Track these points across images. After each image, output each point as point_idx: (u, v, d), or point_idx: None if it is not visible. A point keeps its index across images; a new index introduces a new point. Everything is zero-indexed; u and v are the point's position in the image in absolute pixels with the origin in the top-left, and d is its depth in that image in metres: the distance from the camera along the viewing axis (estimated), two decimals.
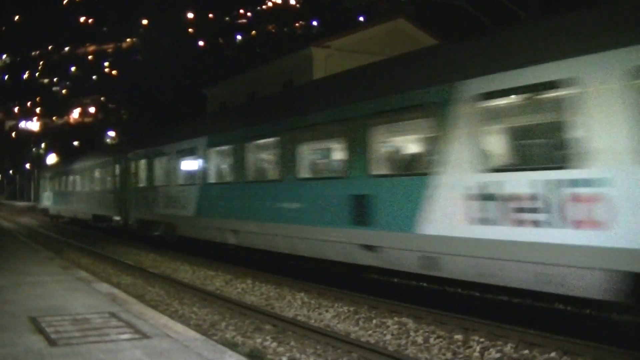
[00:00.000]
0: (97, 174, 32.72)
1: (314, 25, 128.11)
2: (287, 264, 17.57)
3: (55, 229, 38.36)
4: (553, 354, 8.67)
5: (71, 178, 39.34)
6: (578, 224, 8.13)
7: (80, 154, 51.81)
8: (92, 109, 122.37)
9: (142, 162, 25.14)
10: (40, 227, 41.21)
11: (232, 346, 8.76)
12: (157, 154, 23.22)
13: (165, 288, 15.32)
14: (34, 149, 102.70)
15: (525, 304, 11.80)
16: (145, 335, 7.80)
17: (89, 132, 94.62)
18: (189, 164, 20.32)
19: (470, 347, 9.31)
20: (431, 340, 9.74)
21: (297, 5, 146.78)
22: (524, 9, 20.77)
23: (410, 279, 14.80)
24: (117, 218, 28.31)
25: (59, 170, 45.14)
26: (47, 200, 49.74)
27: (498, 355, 8.85)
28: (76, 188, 37.58)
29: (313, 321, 11.35)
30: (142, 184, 25.11)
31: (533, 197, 8.66)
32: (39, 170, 55.97)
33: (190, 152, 19.91)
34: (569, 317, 10.67)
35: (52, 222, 46.04)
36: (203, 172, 19.04)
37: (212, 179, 18.77)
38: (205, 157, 18.93)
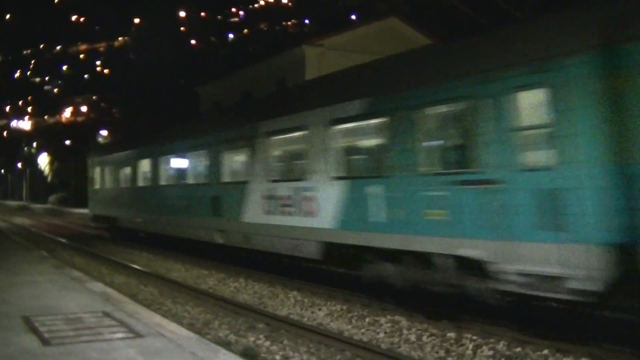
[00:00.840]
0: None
1: (306, 24, 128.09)
2: (281, 263, 17.60)
3: (48, 228, 38.23)
4: (545, 352, 8.73)
5: (201, 161, 19.38)
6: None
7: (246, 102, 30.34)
8: (84, 108, 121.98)
9: None
10: (33, 226, 41.07)
11: (226, 345, 8.79)
12: None
13: (158, 287, 15.31)
14: (25, 148, 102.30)
15: (518, 303, 11.86)
16: (138, 335, 7.81)
17: (82, 131, 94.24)
18: None
19: (463, 344, 9.37)
20: (424, 338, 9.79)
21: (290, 4, 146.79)
22: (520, 9, 20.81)
23: None
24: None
25: (147, 149, 24.23)
26: (109, 204, 28.85)
27: (491, 352, 8.91)
28: (233, 177, 17.72)
29: (306, 319, 11.39)
30: None
31: None
32: (89, 155, 33.91)
33: None
34: (561, 315, 10.72)
35: (116, 236, 28.61)
36: None
37: None
38: None
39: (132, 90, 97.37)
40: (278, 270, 16.47)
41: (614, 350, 8.49)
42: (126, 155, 26.55)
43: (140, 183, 24.62)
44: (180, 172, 20.85)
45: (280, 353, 9.10)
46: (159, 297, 14.03)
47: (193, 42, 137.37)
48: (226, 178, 17.74)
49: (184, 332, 8.26)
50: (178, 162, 21.04)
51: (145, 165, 24.13)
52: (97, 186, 31.21)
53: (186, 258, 20.32)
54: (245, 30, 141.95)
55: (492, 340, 9.42)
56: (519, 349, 8.95)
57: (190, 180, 20.13)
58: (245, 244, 16.66)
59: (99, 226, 31.31)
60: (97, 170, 31.11)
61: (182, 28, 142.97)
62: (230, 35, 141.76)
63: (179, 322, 10.51)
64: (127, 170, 26.22)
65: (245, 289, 14.79)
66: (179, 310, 12.45)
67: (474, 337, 9.63)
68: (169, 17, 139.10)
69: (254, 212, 15.77)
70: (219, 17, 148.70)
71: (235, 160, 17.76)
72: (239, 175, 17.32)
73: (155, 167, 22.95)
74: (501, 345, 9.16)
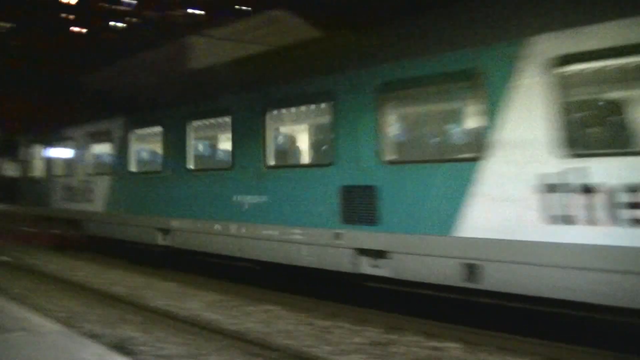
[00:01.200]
0: None
1: (195, 14, 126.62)
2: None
3: None
4: (415, 338, 9.06)
5: None
6: None
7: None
8: None
9: None
10: None
11: (96, 337, 8.67)
12: None
13: (31, 280, 14.85)
14: None
15: (392, 289, 12.21)
16: (5, 330, 7.60)
17: None
18: None
19: (334, 333, 9.58)
20: (298, 327, 9.93)
21: None
22: None
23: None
24: None
25: (156, 112, 15.11)
26: (67, 201, 18.69)
27: (361, 339, 9.14)
28: None
29: (181, 310, 11.32)
30: None
31: None
32: (23, 132, 23.88)
33: None
34: (430, 299, 11.11)
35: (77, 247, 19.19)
36: None
37: None
38: None
39: (12, 79, 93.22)
40: (153, 263, 16.21)
41: (482, 334, 8.91)
42: (107, 125, 16.92)
43: (134, 167, 15.62)
44: (244, 148, 11.96)
45: (153, 344, 9.01)
46: (31, 291, 13.60)
47: (77, 29, 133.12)
48: (392, 154, 9.52)
49: (54, 326, 8.08)
50: (239, 131, 12.22)
51: (152, 137, 15.35)
52: (37, 173, 21.43)
53: (59, 251, 19.67)
54: (133, 19, 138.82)
55: (366, 327, 9.71)
56: (390, 336, 9.24)
57: (258, 161, 11.58)
58: (463, 280, 8.35)
59: (51, 232, 20.44)
60: (38, 151, 21.65)
61: (66, 15, 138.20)
62: (118, 24, 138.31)
63: (49, 315, 10.26)
64: (109, 148, 16.74)
65: (120, 281, 14.48)
66: (49, 303, 12.09)
67: (348, 325, 9.88)
68: (52, 3, 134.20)
69: (501, 219, 7.92)
70: (105, 5, 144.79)
71: (427, 121, 10.31)
72: (437, 148, 9.85)
73: (177, 141, 13.83)
74: (374, 332, 9.45)
